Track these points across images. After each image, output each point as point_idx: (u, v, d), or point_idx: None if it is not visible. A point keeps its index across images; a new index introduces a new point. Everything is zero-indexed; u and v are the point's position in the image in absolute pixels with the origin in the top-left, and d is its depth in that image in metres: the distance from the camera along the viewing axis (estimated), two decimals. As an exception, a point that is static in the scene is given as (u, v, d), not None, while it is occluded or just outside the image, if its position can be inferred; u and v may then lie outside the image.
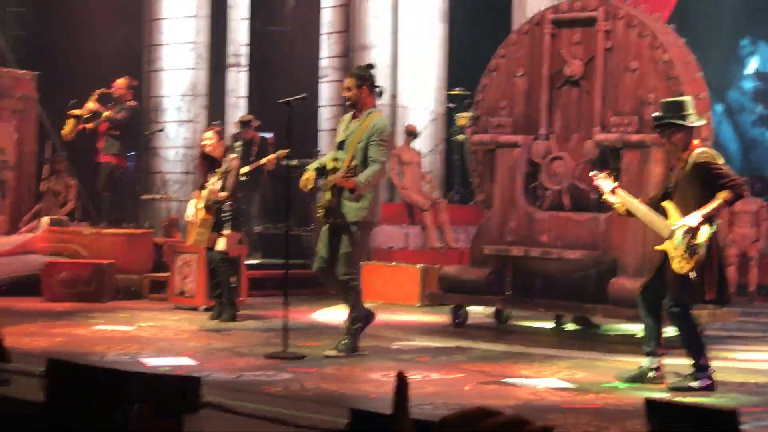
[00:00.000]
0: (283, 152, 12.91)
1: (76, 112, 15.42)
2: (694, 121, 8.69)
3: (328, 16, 19.27)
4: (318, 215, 9.92)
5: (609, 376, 8.89)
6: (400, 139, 18.08)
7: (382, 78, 18.60)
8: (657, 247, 8.67)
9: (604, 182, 8.87)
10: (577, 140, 11.77)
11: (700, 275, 8.37)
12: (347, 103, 9.95)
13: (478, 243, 12.25)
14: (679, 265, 8.40)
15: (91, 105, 15.43)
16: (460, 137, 18.13)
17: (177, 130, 19.64)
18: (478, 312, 12.79)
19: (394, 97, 18.73)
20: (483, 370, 9.22)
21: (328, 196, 9.75)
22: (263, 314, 12.51)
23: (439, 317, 12.78)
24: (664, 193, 8.76)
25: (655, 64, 11.42)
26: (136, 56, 20.17)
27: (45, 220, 15.20)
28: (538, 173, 11.93)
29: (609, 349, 10.30)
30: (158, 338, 10.74)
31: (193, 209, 12.31)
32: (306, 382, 8.41)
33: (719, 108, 21.01)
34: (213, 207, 12.09)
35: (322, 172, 9.90)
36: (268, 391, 8.04)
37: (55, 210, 16.41)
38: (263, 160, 14.70)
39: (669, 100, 8.89)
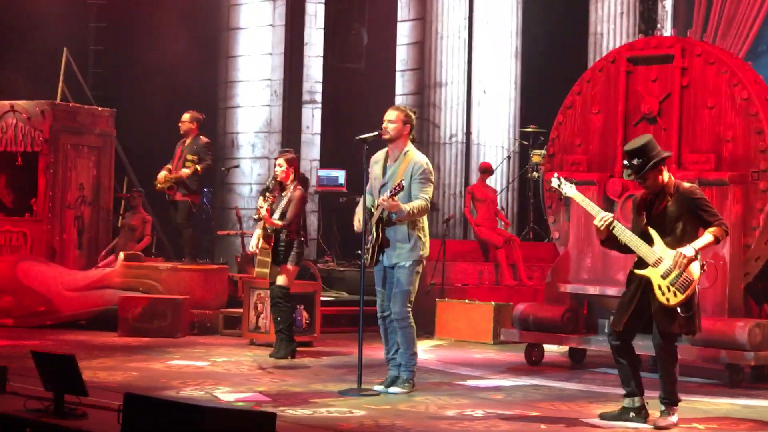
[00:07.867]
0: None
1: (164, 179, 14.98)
2: (664, 153, 8.58)
3: (403, 54, 19.41)
4: (365, 258, 9.81)
5: (688, 417, 8.77)
6: (474, 177, 18.08)
7: (456, 115, 18.74)
8: (638, 272, 8.41)
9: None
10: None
11: (690, 309, 8.25)
12: (385, 136, 9.80)
13: (553, 281, 12.17)
14: (665, 297, 8.24)
15: (164, 174, 15.08)
16: (534, 174, 18.08)
17: (252, 166, 19.81)
18: (552, 350, 12.72)
19: (468, 134, 18.77)
20: (559, 409, 9.15)
21: (374, 234, 9.69)
22: (337, 351, 12.49)
23: (513, 355, 12.72)
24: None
25: (733, 101, 11.32)
26: (212, 93, 20.40)
27: (121, 255, 15.33)
28: (613, 211, 11.85)
29: (686, 390, 10.16)
30: (233, 374, 10.77)
31: (256, 240, 12.31)
32: (381, 419, 8.38)
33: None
34: (270, 236, 12.09)
35: (371, 214, 9.82)
36: (342, 428, 8.02)
37: (131, 245, 16.56)
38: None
39: (636, 146, 8.47)
